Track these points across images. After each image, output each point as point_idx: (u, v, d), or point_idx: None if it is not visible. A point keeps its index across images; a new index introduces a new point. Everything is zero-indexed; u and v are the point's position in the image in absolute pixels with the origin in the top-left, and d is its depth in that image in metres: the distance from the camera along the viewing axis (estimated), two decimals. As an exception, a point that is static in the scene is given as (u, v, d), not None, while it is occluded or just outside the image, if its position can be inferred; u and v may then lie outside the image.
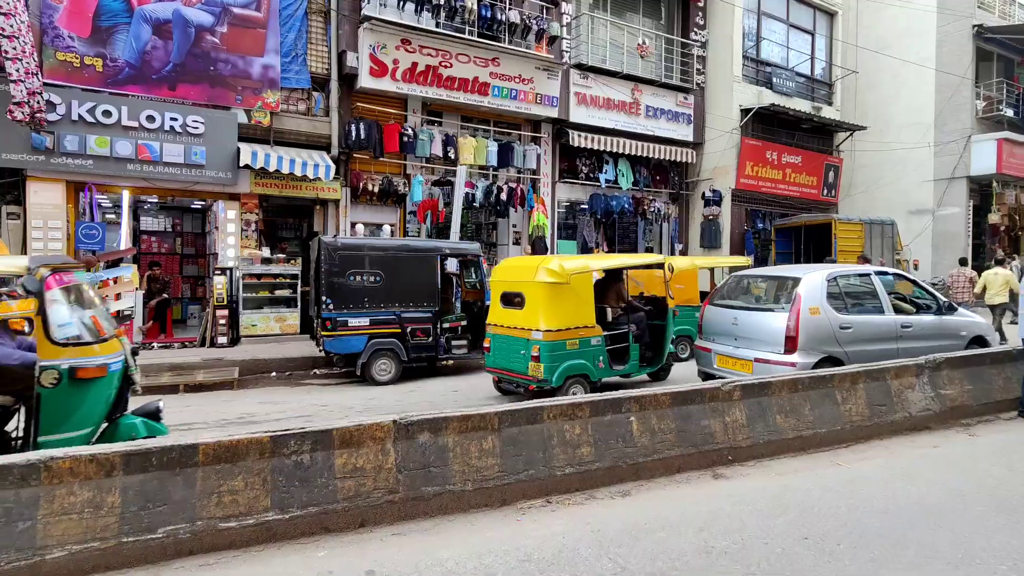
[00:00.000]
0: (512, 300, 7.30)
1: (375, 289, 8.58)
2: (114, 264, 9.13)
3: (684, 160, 15.78)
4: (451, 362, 9.90)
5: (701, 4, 16.04)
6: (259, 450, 3.67)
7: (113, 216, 12.32)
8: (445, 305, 9.92)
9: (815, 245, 13.31)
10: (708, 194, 15.80)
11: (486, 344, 7.65)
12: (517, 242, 14.16)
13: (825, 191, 17.61)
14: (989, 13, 19.33)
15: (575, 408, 4.70)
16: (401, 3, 11.64)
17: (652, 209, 15.51)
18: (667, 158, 15.42)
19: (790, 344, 6.61)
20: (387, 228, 12.09)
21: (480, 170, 13.61)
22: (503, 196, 13.23)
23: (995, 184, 18.38)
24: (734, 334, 7.20)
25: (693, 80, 15.76)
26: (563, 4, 13.85)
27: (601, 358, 7.22)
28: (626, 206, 15.00)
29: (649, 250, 16.38)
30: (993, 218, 18.44)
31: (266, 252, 11.16)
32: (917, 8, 19.43)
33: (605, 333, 7.33)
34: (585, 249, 14.85)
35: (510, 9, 12.73)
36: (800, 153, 16.78)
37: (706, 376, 7.39)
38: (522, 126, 14.18)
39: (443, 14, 11.93)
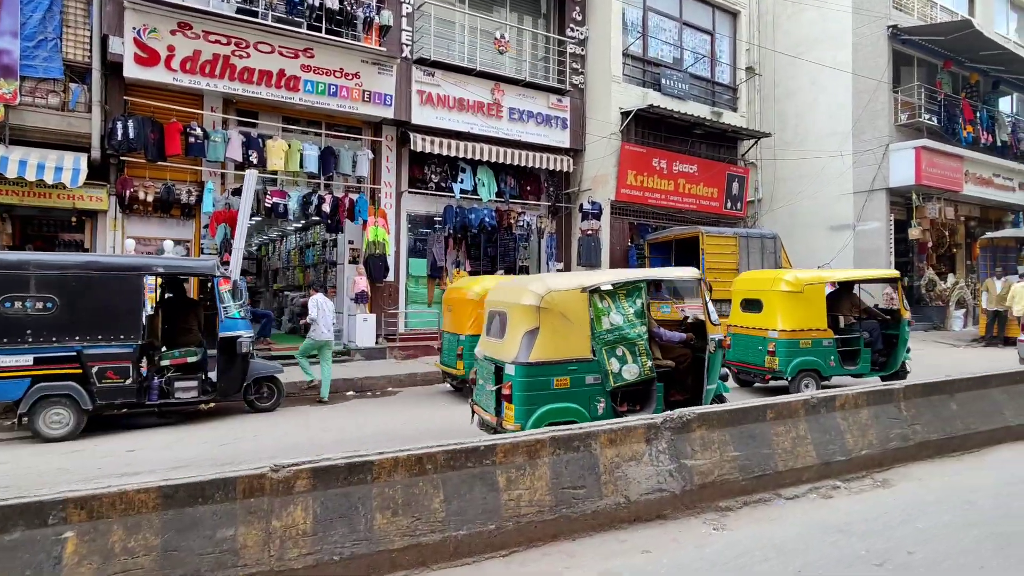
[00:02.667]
0: (751, 305, 8.94)
1: (43, 318, 6.69)
2: None
3: (561, 168, 14.12)
4: (209, 406, 8.05)
5: (579, -2, 14.54)
6: None
7: None
8: (182, 336, 8.05)
9: (688, 261, 11.63)
10: (587, 206, 14.11)
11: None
12: (354, 260, 12.35)
13: (729, 204, 15.99)
14: (907, 15, 18.02)
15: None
16: (181, -19, 9.96)
17: (520, 223, 13.77)
18: (539, 166, 13.74)
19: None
20: (168, 244, 10.24)
21: (309, 178, 11.84)
22: (325, 207, 11.44)
23: (915, 196, 16.85)
24: None
25: (567, 80, 14.16)
26: (403, -9, 12.26)
27: (832, 357, 8.39)
28: (487, 220, 13.25)
29: (524, 269, 14.63)
30: (914, 233, 16.89)
31: None
32: (832, 9, 18.10)
33: (836, 336, 8.60)
34: (435, 269, 13.04)
35: (328, -7, 11.08)
36: (696, 162, 15.18)
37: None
38: (363, 130, 12.46)
39: (237, -6, 10.27)
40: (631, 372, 5.68)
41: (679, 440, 4.62)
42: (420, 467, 3.79)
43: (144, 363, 7.25)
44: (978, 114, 18.29)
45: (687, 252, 11.96)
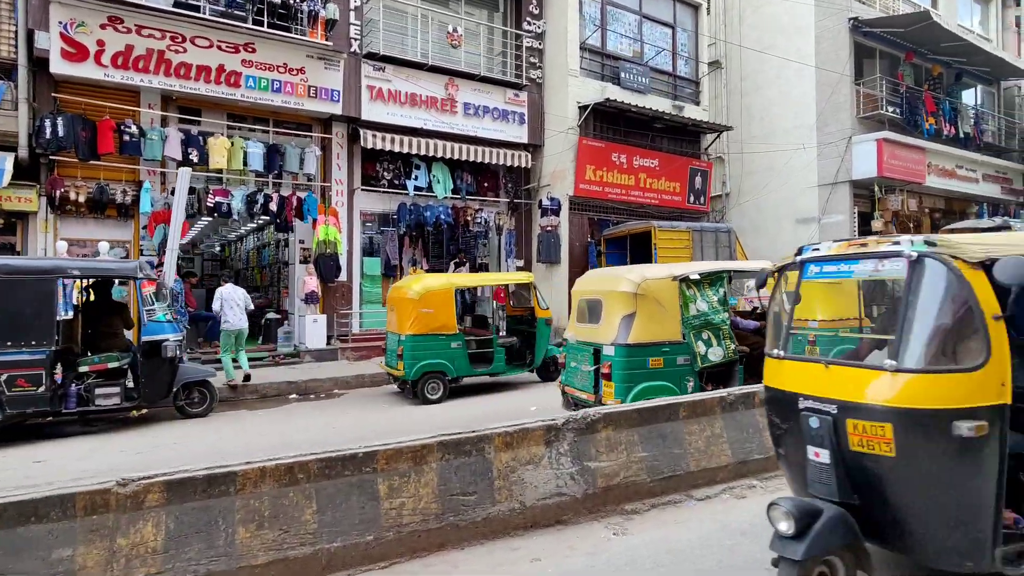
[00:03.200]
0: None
1: (-59, 325, 6.40)
2: None
3: (519, 164, 13.91)
4: (140, 412, 7.80)
5: (536, -9, 14.33)
6: None
7: None
8: (106, 341, 7.77)
9: (643, 255, 11.50)
10: (546, 202, 13.93)
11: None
12: (305, 260, 12.08)
13: (692, 198, 15.89)
14: (869, 7, 18.02)
15: None
16: (112, -26, 9.63)
17: (478, 220, 13.57)
18: (496, 162, 13.52)
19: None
20: (104, 246, 9.92)
21: (258, 177, 11.56)
22: (272, 207, 11.17)
23: (877, 188, 16.85)
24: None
25: (524, 74, 13.96)
26: (351, -15, 11.99)
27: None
28: (443, 217, 13.03)
29: (483, 267, 14.42)
30: (876, 225, 16.88)
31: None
32: (795, 2, 18.06)
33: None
34: (389, 268, 12.81)
35: (269, -14, 10.80)
36: (657, 156, 15.04)
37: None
38: (313, 127, 12.19)
39: (172, -12, 9.96)
40: (716, 354, 6.23)
41: (583, 442, 4.45)
42: (291, 477, 3.59)
43: (59, 370, 6.96)
44: (940, 106, 18.33)
45: (642, 247, 11.83)
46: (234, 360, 9.30)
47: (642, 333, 5.97)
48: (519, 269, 14.47)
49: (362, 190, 12.71)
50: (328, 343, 11.91)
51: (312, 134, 12.08)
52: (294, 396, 9.61)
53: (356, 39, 12.01)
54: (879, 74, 17.55)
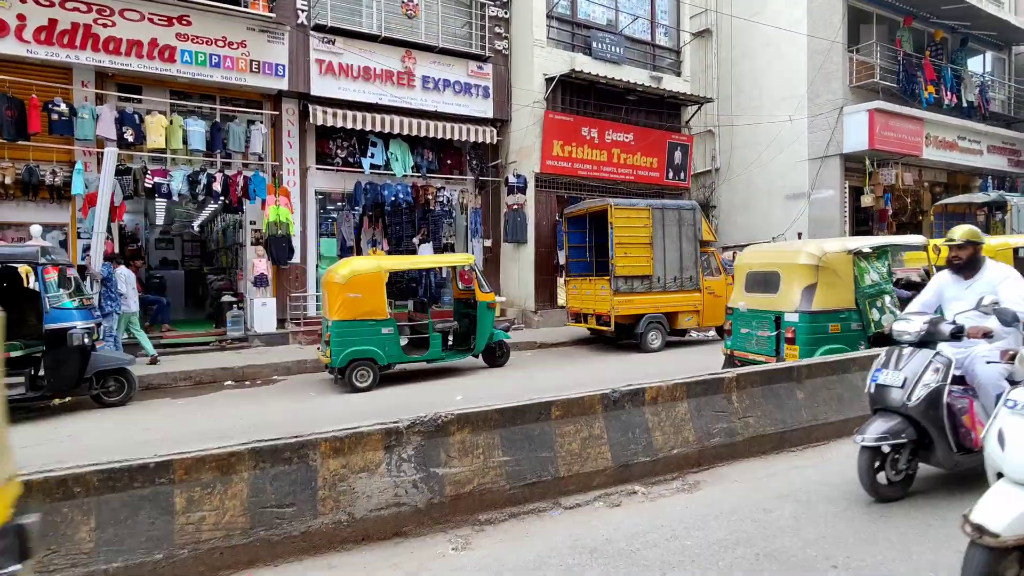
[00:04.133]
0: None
1: None
2: None
3: (485, 140, 13.37)
4: (58, 401, 7.62)
5: (501, -44, 13.63)
6: None
7: None
8: (15, 329, 7.51)
9: (603, 234, 10.96)
10: (512, 180, 13.42)
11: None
12: (258, 242, 11.74)
13: (671, 174, 15.23)
14: (865, -33, 16.97)
15: None
16: (33, -56, 9.22)
17: (440, 199, 13.10)
18: (460, 138, 12.99)
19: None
20: (36, 229, 9.52)
21: (206, 157, 11.20)
22: (215, 187, 10.81)
23: (868, 162, 16.00)
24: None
25: (487, 45, 13.34)
26: (298, -48, 11.42)
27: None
28: (401, 196, 12.59)
29: (449, 247, 13.99)
30: (867, 200, 16.09)
31: None
32: (787, -36, 17.07)
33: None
34: (345, 249, 12.43)
35: (205, -45, 10.29)
36: (632, 130, 14.39)
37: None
38: (263, 103, 11.76)
39: (97, -41, 9.51)
40: (888, 320, 6.64)
41: (431, 446, 4.05)
42: (64, 491, 3.24)
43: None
44: (942, 74, 17.31)
45: (601, 226, 11.28)
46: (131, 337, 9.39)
47: (823, 301, 6.66)
48: (487, 249, 14.05)
49: (317, 169, 12.30)
50: (281, 327, 11.64)
51: (262, 111, 11.65)
52: (229, 383, 9.34)
53: (304, 10, 11.49)
54: (875, 40, 16.57)
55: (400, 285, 13.91)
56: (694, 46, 20.27)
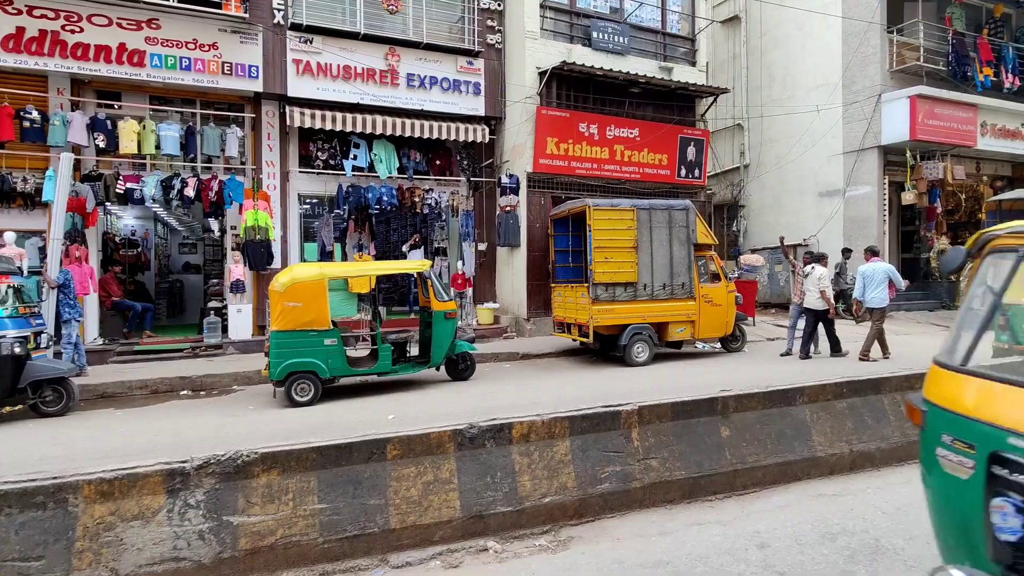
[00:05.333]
0: None
1: None
2: None
3: (477, 139, 12.76)
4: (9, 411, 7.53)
5: (494, -54, 12.98)
6: None
7: None
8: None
9: (584, 237, 10.13)
10: (505, 180, 12.75)
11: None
12: (237, 247, 11.56)
13: (683, 171, 14.16)
14: (910, -62, 15.31)
15: None
16: (3, -46, 9.30)
17: (428, 201, 12.57)
18: (449, 137, 12.43)
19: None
20: (10, 236, 9.64)
21: (189, 163, 11.10)
22: (188, 192, 10.67)
23: (909, 154, 14.38)
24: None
25: (477, 39, 12.72)
26: (274, -49, 11.16)
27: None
28: (385, 198, 12.14)
29: (442, 251, 13.46)
30: (908, 197, 14.46)
31: None
32: (820, -61, 15.64)
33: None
34: (325, 254, 12.08)
35: (175, -43, 10.16)
36: (637, 125, 13.43)
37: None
38: (245, 107, 11.59)
39: (65, -35, 9.51)
40: None
41: (227, 489, 3.48)
42: None
43: None
44: (1003, 53, 15.40)
45: (584, 228, 10.44)
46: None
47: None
48: (481, 253, 13.43)
49: (300, 172, 12.02)
50: (261, 333, 11.40)
51: (242, 114, 11.47)
52: (186, 392, 9.11)
53: (280, 9, 11.22)
54: (920, 18, 14.90)
55: (394, 292, 13.52)
56: (722, 35, 19.02)
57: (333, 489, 3.65)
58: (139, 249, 14.25)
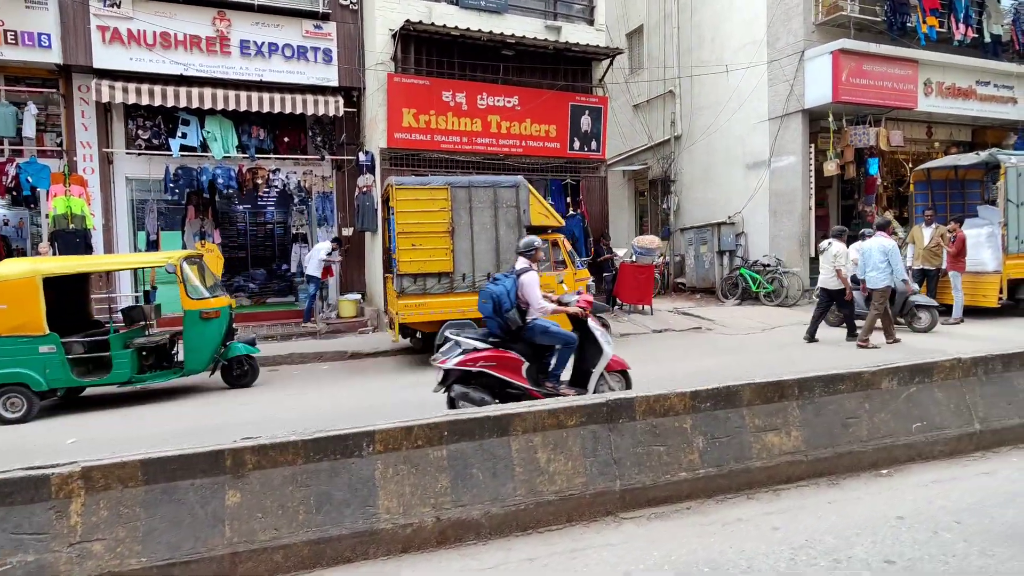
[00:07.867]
0: None
1: None
2: None
3: (329, 112, 11.46)
4: None
5: None
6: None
7: None
8: None
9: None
10: (362, 158, 11.48)
11: None
12: (51, 239, 10.51)
13: (576, 144, 12.68)
14: None
15: None
16: None
17: (275, 182, 11.37)
18: (297, 111, 11.16)
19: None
20: None
21: (12, 146, 10.08)
22: (-23, 178, 9.65)
23: (832, 118, 12.65)
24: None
25: (320, 1, 11.36)
26: (74, -96, 9.94)
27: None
28: (221, 181, 10.97)
29: (300, 237, 12.27)
30: (829, 167, 12.78)
31: None
32: None
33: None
34: (150, 243, 10.98)
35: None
36: (516, 92, 11.98)
37: None
38: (59, 82, 10.47)
39: None
40: None
41: None
42: None
43: None
44: (952, 2, 13.46)
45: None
46: None
47: None
48: (345, 239, 12.20)
49: (126, 154, 10.91)
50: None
51: (46, 90, 10.35)
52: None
53: (79, -30, 10.02)
54: (854, -36, 13.04)
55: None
56: (650, -8, 17.29)
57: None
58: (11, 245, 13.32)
